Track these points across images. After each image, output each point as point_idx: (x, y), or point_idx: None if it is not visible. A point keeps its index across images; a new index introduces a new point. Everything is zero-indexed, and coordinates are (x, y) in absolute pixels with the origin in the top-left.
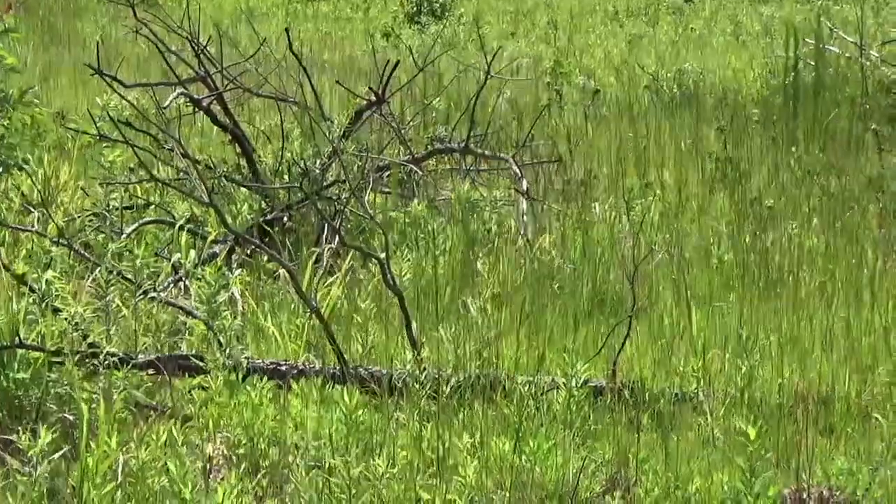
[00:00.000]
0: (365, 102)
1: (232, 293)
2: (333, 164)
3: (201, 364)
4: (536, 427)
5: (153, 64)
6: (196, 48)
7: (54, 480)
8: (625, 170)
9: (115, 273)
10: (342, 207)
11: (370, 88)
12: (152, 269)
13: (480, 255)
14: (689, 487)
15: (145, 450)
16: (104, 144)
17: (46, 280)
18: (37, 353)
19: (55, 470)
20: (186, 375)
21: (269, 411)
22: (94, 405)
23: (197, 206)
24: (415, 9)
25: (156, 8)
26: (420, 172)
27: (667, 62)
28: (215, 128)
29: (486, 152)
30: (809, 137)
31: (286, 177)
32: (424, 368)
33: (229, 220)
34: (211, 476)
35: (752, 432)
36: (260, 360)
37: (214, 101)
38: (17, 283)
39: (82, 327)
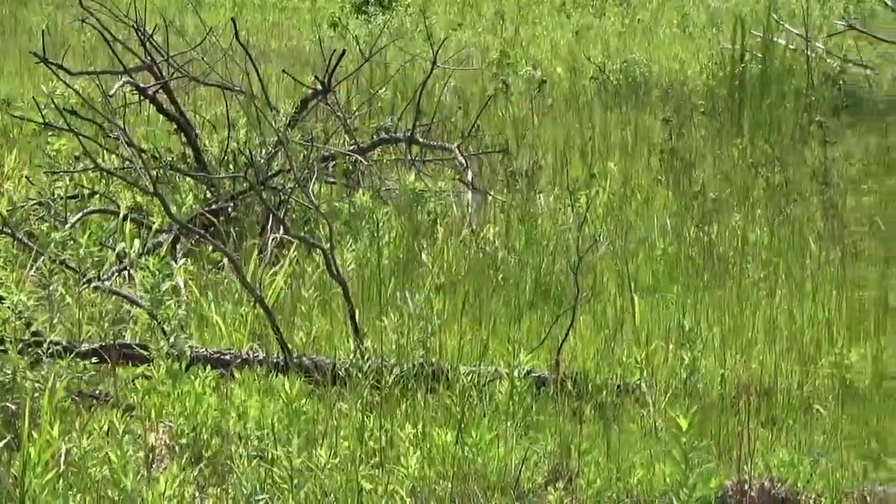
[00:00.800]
0: (311, 92)
1: (176, 282)
2: (279, 154)
3: (145, 353)
4: (479, 418)
5: (100, 52)
6: (142, 37)
7: None
8: (570, 161)
9: (58, 262)
10: (287, 197)
11: (316, 78)
12: (96, 259)
13: (425, 245)
14: (630, 479)
15: (87, 439)
16: (49, 133)
17: None
18: None
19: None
20: (130, 364)
21: (212, 401)
22: (37, 394)
23: (142, 195)
24: None
25: None
26: (365, 162)
27: (613, 53)
28: (161, 117)
29: (432, 142)
30: (755, 129)
31: (231, 166)
32: (367, 358)
33: (174, 209)
34: (153, 465)
35: (683, 423)
36: (204, 349)
37: (160, 90)
38: None
39: (25, 316)
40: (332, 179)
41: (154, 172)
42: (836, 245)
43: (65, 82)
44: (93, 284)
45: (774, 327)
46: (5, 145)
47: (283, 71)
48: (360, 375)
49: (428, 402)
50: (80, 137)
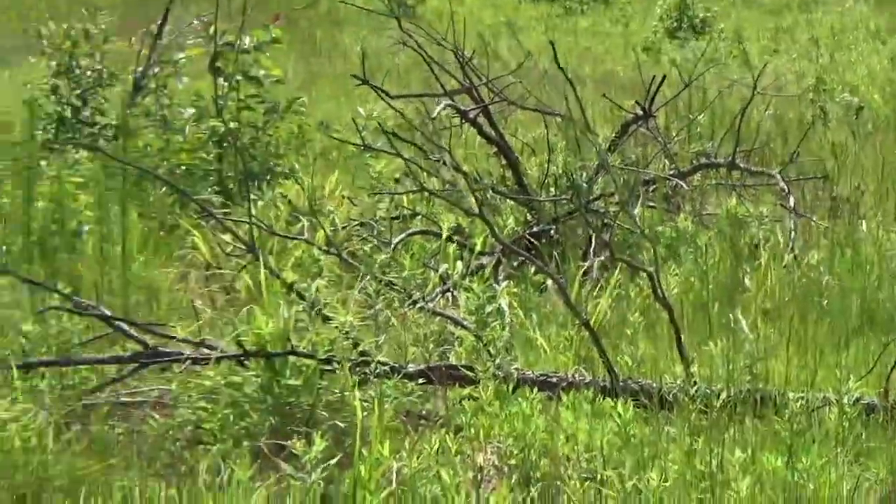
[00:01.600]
0: (631, 116)
1: (500, 304)
2: (599, 178)
3: (471, 374)
4: (809, 444)
5: (413, 76)
6: (461, 60)
7: (328, 487)
8: (893, 187)
9: (383, 283)
10: (613, 221)
11: (637, 103)
12: (419, 280)
13: (748, 270)
14: None
15: (417, 458)
16: (368, 154)
17: (316, 288)
18: (308, 361)
19: (329, 476)
20: (456, 385)
21: (540, 422)
22: (365, 413)
23: (463, 217)
24: (675, 24)
25: (417, 19)
26: (686, 187)
27: None
28: (478, 139)
29: (753, 168)
30: None
31: (552, 189)
32: (695, 382)
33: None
34: (481, 486)
35: None
36: (529, 372)
37: (480, 113)
38: (287, 291)
39: (353, 336)
40: (652, 204)
41: (476, 194)
42: None
43: (390, 105)
44: (418, 306)
45: None
46: (325, 167)
47: (604, 95)
48: (687, 400)
49: (756, 428)
50: (405, 160)
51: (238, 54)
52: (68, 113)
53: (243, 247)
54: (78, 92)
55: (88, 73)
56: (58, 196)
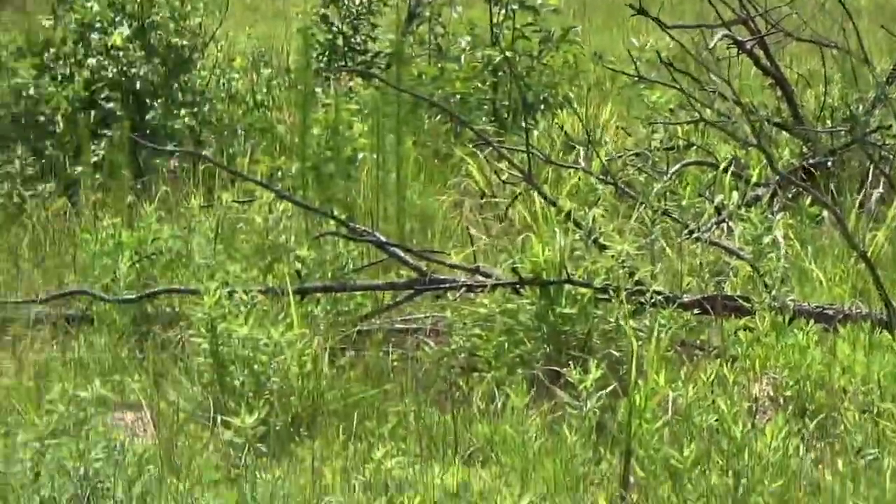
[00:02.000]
0: None
1: (776, 235)
2: (877, 110)
3: (747, 305)
4: None
5: (686, 6)
6: None
7: (603, 415)
8: None
9: (659, 212)
10: (889, 153)
11: None
12: (695, 210)
13: None
14: None
15: (692, 388)
16: (642, 85)
17: (593, 217)
18: (584, 290)
19: (604, 405)
20: (732, 316)
21: (816, 354)
22: (640, 342)
23: (738, 148)
24: None
25: None
26: None
27: None
28: (752, 71)
29: None
30: None
31: (828, 122)
32: None
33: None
34: (756, 417)
35: None
36: (805, 304)
37: (756, 45)
38: (563, 219)
39: (628, 265)
40: None
41: (754, 125)
42: None
43: (669, 34)
44: (694, 236)
45: None
46: (599, 97)
47: (882, 26)
48: None
49: None
50: (682, 91)
51: None
52: (339, 41)
53: (519, 175)
54: (349, 20)
55: (357, 1)
56: (333, 123)
